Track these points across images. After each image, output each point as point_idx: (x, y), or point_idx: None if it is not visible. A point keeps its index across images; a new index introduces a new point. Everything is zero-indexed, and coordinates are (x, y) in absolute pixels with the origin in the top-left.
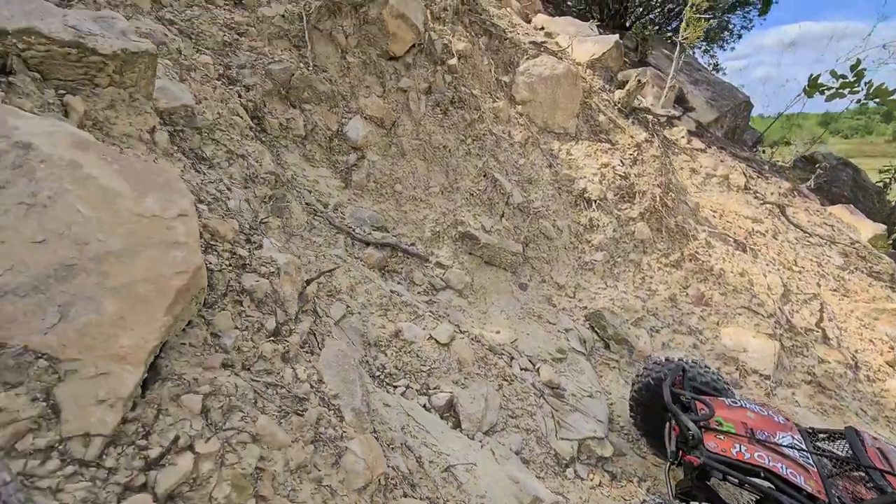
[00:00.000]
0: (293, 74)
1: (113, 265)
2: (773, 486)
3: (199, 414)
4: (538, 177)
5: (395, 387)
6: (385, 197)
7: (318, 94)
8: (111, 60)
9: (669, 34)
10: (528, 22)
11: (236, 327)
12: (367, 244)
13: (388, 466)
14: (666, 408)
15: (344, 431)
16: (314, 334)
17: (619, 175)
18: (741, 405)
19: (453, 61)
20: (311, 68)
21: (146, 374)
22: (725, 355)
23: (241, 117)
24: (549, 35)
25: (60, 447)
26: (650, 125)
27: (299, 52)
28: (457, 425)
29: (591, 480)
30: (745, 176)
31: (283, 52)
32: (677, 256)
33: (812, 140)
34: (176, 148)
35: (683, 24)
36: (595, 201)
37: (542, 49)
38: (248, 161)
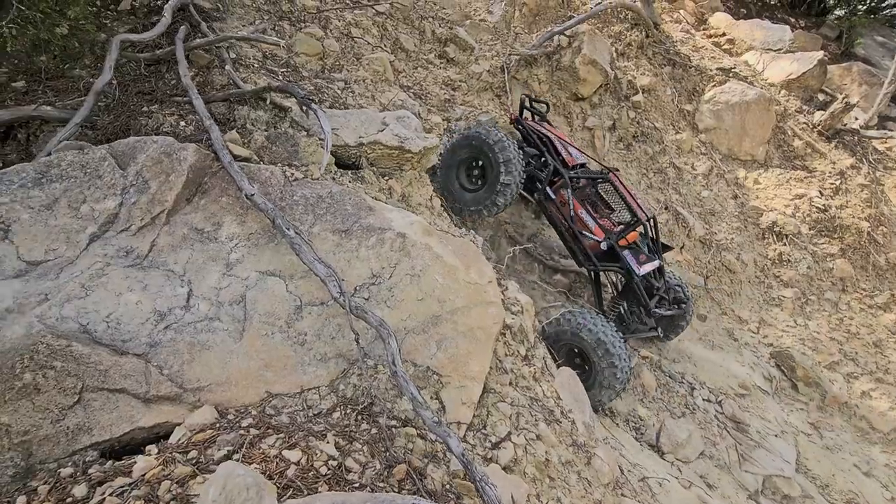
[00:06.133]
0: (496, 123)
1: (460, 317)
2: (545, 148)
3: (508, 416)
4: (722, 209)
5: None
6: None
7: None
8: (416, 154)
9: (886, 14)
10: (704, 23)
11: (507, 354)
12: (556, 271)
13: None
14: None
15: (588, 440)
16: (545, 360)
17: (817, 207)
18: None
19: (637, 97)
20: (509, 114)
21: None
22: None
23: None
24: (731, 42)
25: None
26: (858, 148)
27: (499, 100)
28: (645, 442)
29: None
30: None
31: (488, 102)
32: (886, 298)
33: None
34: (443, 209)
35: None
36: (787, 236)
37: (730, 75)
38: None
